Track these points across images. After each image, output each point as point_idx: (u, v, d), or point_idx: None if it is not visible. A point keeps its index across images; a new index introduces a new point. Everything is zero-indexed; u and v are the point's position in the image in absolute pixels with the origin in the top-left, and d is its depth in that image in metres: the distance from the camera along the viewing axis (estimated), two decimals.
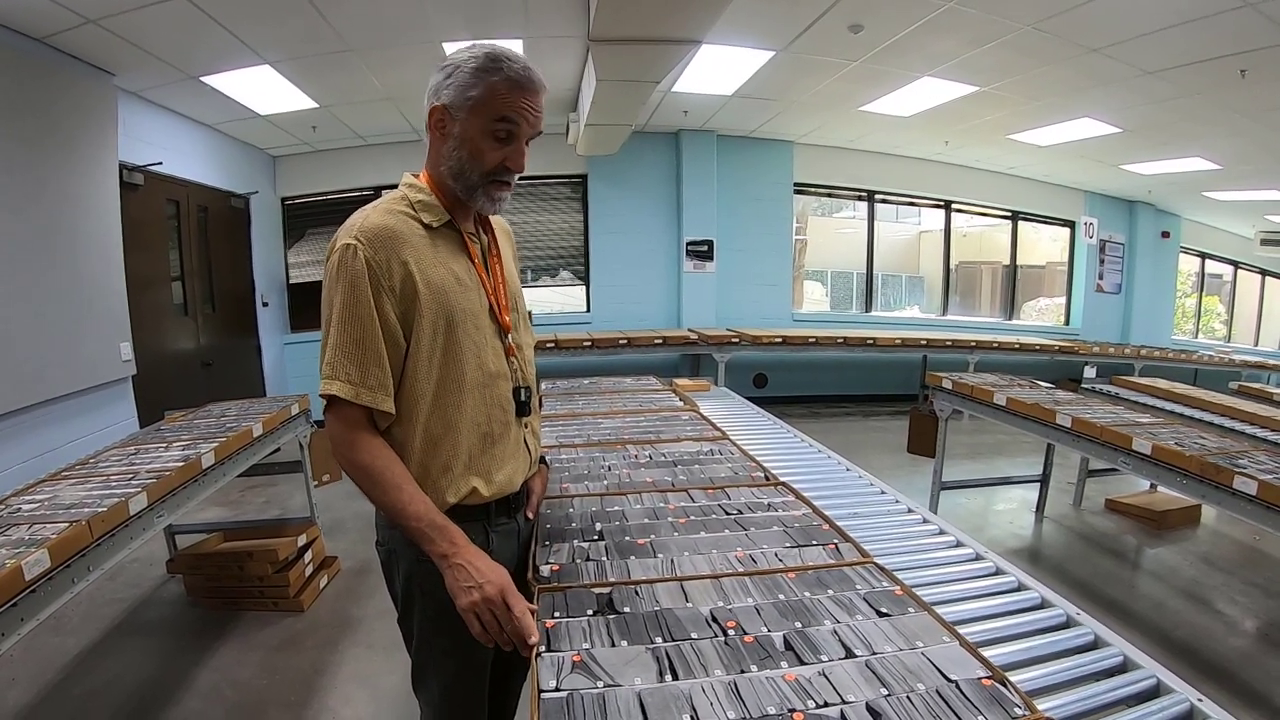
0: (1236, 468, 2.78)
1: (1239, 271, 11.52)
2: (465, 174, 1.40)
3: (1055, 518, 5.15)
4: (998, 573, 1.86)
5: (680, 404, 3.19)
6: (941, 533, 2.13)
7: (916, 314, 10.60)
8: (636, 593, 1.34)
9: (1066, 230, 10.19)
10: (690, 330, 7.71)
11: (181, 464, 2.63)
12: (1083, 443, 3.58)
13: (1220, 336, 11.64)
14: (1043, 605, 1.70)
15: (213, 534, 3.94)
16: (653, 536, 1.61)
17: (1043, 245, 10.72)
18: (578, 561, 1.49)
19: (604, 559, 1.50)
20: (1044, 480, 5.24)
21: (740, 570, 1.45)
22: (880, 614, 1.32)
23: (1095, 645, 1.54)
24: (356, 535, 4.61)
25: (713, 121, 7.63)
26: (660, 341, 7.23)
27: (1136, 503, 5.24)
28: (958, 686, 1.09)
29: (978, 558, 1.95)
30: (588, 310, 8.22)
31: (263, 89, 5.59)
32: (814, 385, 8.73)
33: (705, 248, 8.11)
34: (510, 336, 1.50)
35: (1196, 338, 11.29)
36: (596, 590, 1.34)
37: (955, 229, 9.82)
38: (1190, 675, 1.39)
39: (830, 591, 1.39)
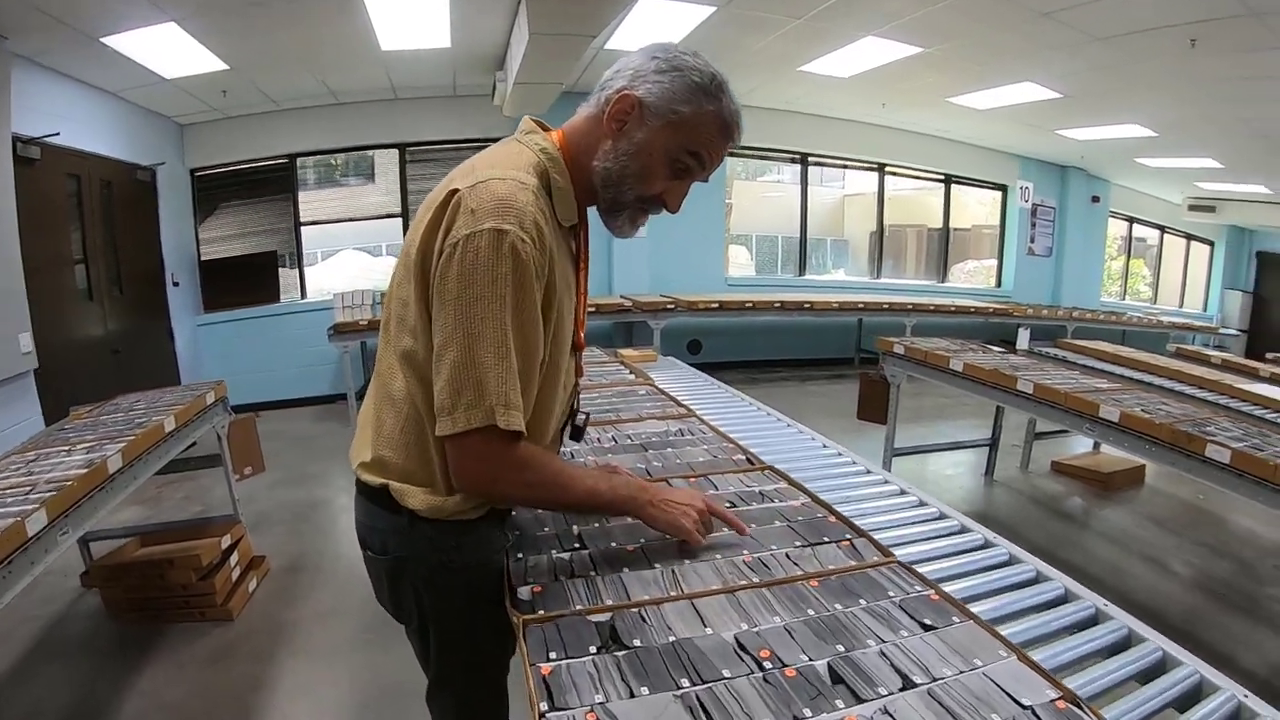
0: (1206, 435, 2.74)
1: (1165, 236, 11.85)
2: (621, 186, 1.24)
3: (1004, 481, 5.18)
4: (963, 530, 1.83)
5: (631, 376, 2.98)
6: (903, 493, 2.07)
7: (845, 277, 10.63)
8: (643, 618, 1.13)
9: (993, 194, 10.34)
10: (624, 297, 7.53)
11: (85, 470, 2.30)
12: (1045, 409, 3.52)
13: (1145, 299, 12.02)
14: (1011, 561, 1.68)
15: (130, 539, 3.57)
16: (642, 540, 1.40)
17: (969, 209, 10.85)
18: (562, 579, 1.26)
19: (592, 573, 1.28)
20: (993, 443, 5.26)
21: (755, 580, 1.26)
22: (925, 626, 1.14)
23: (1066, 599, 1.54)
24: (284, 529, 4.28)
25: None
26: (593, 310, 7.02)
27: (1082, 464, 5.30)
28: (1034, 713, 0.94)
29: (941, 516, 1.93)
30: None
31: (168, 50, 5.10)
32: (748, 350, 8.65)
33: None
34: (579, 356, 1.41)
35: (1124, 299, 11.65)
36: (594, 618, 1.12)
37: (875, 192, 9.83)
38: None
39: (862, 601, 1.21)
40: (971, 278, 10.85)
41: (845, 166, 9.80)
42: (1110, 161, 9.44)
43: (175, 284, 6.82)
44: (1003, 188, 10.15)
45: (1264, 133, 6.55)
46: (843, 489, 2.04)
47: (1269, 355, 5.50)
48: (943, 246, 10.20)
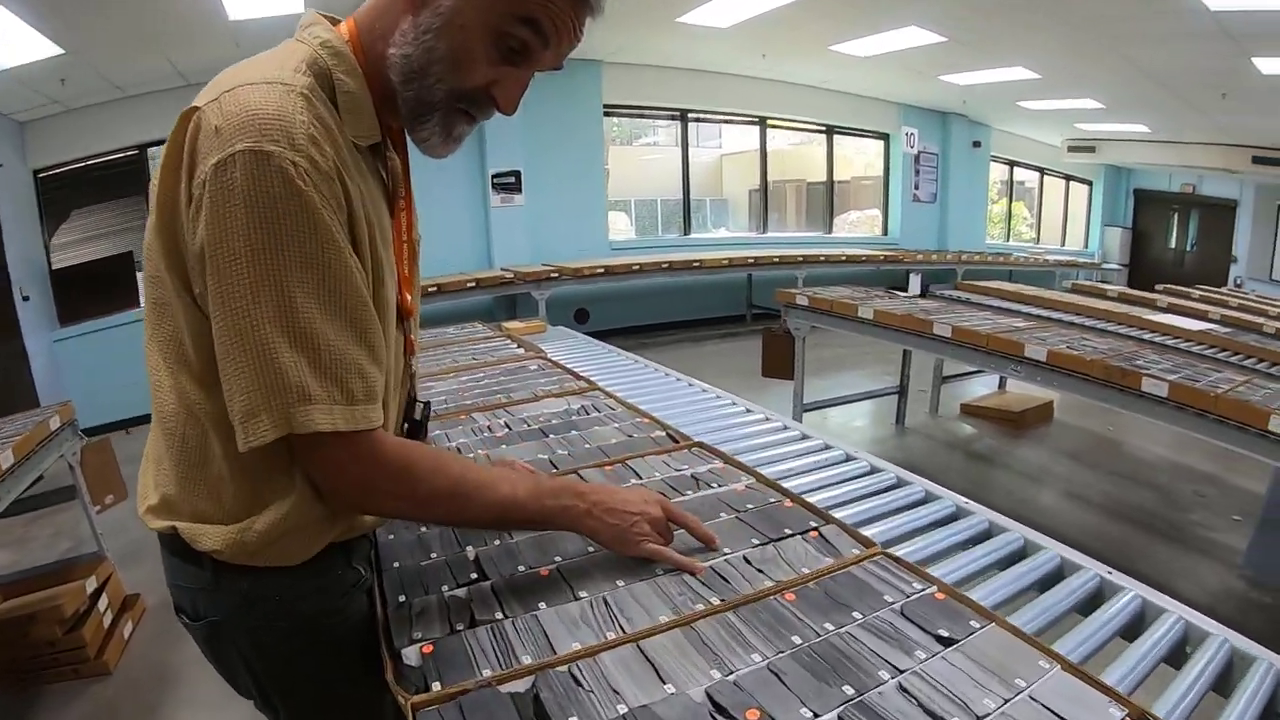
0: (1139, 369, 2.65)
1: (1045, 178, 12.25)
2: (426, 78, 0.87)
3: (916, 428, 5.14)
4: (901, 484, 1.64)
5: (520, 350, 2.64)
6: (804, 436, 1.90)
7: (730, 234, 10.55)
8: (576, 679, 0.81)
9: (873, 145, 10.43)
10: (505, 269, 7.20)
11: None
12: (966, 352, 3.41)
13: (1028, 239, 12.45)
14: (928, 499, 1.55)
15: None
16: (558, 558, 1.08)
17: (848, 161, 10.96)
18: (459, 629, 0.92)
19: (499, 615, 0.95)
20: (902, 390, 5.23)
21: (715, 602, 0.96)
22: (942, 640, 0.88)
23: (991, 533, 1.41)
24: (157, 561, 3.71)
25: None
26: (474, 285, 6.66)
27: (991, 405, 5.33)
28: None
29: (873, 470, 1.72)
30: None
31: None
32: (637, 315, 8.45)
33: (513, 179, 7.53)
34: (409, 325, 1.07)
35: (1008, 241, 12.02)
36: (511, 687, 0.79)
37: (754, 149, 9.73)
38: None
39: (857, 614, 0.94)
40: (855, 228, 10.98)
41: (726, 121, 9.65)
42: (992, 106, 9.60)
43: (25, 298, 5.96)
44: (885, 136, 10.24)
45: (1147, 72, 6.69)
46: (774, 456, 1.75)
47: (1158, 286, 5.63)
48: (828, 197, 10.23)
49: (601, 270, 7.16)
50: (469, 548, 1.13)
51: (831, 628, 0.91)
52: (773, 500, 1.27)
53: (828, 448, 1.80)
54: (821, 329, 4.25)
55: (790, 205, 11.32)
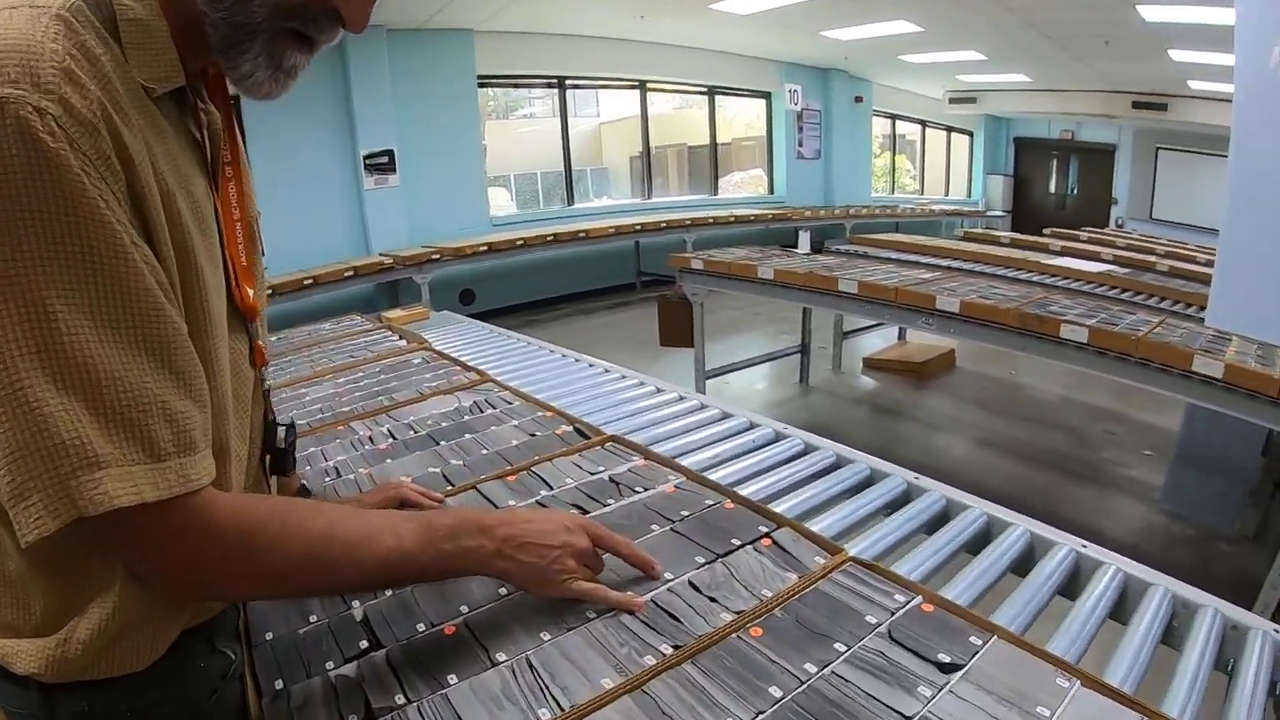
0: (1054, 315, 2.63)
1: (926, 130, 12.54)
2: None
3: (821, 386, 5.12)
4: (809, 450, 1.50)
5: (403, 343, 2.37)
6: (727, 416, 1.71)
7: (614, 202, 10.42)
8: None
9: (752, 105, 10.42)
10: (383, 255, 6.86)
11: None
12: (875, 307, 3.35)
13: (912, 191, 12.78)
14: (839, 464, 1.43)
15: None
16: (464, 608, 0.87)
17: (727, 124, 10.96)
18: None
19: (398, 698, 0.73)
20: (804, 349, 5.18)
21: (669, 650, 0.77)
22: (944, 667, 0.74)
23: (910, 495, 1.31)
24: None
25: (380, 14, 6.47)
26: (351, 274, 6.31)
27: (893, 357, 5.36)
28: None
29: (779, 437, 1.59)
30: (262, 255, 6.90)
31: None
32: (524, 291, 8.21)
33: (386, 159, 7.13)
34: (255, 328, 0.82)
35: (892, 194, 12.30)
36: None
37: (633, 116, 9.57)
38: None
39: (839, 645, 0.77)
40: (740, 188, 11.01)
41: (605, 87, 9.43)
42: (874, 61, 9.70)
43: None
44: (767, 95, 10.25)
45: (1030, 21, 6.82)
46: (699, 440, 1.56)
47: (1046, 230, 5.80)
48: (711, 159, 10.18)
49: (484, 248, 6.90)
50: (355, 604, 0.90)
51: (814, 669, 0.74)
52: (710, 503, 1.08)
53: (753, 426, 1.63)
54: (723, 294, 4.12)
55: (672, 170, 11.25)
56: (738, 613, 0.82)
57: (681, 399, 1.82)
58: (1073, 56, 7.95)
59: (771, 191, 10.58)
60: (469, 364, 2.01)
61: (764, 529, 1.00)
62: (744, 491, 1.22)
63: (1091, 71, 8.55)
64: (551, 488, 1.17)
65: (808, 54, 9.49)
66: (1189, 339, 2.36)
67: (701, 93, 9.88)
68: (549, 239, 7.31)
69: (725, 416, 1.68)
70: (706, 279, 4.22)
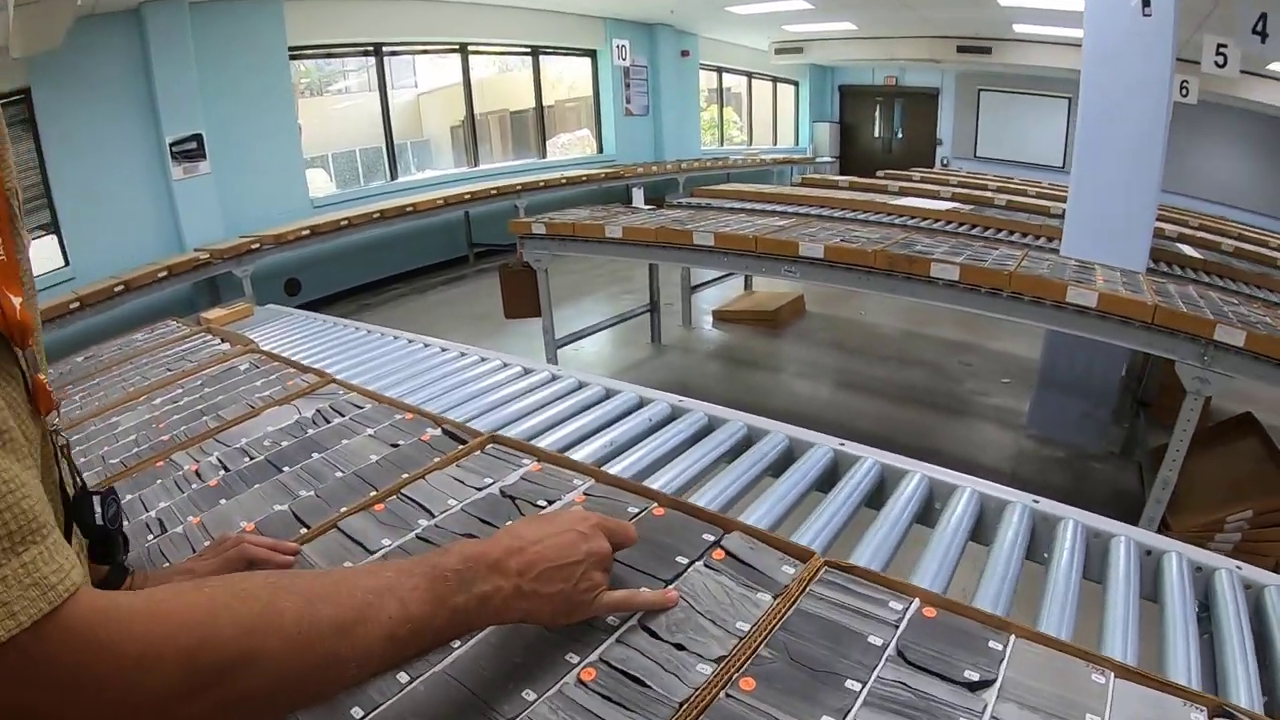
0: (921, 254, 2.61)
1: (753, 81, 12.65)
2: None
3: (674, 343, 5.03)
4: (644, 403, 1.47)
5: (226, 347, 2.01)
6: (610, 394, 1.57)
7: (442, 173, 10.02)
8: None
9: (574, 66, 10.20)
10: (198, 250, 6.25)
11: None
12: (732, 259, 3.26)
13: (741, 142, 12.94)
14: (713, 426, 1.35)
15: None
16: (355, 711, 0.64)
17: (550, 85, 10.73)
18: None
19: None
20: (653, 308, 5.06)
21: None
22: (975, 686, 0.63)
23: (794, 451, 1.25)
24: None
25: None
26: (165, 274, 5.74)
27: (744, 307, 5.34)
28: None
29: (643, 403, 1.50)
30: (66, 264, 6.07)
31: None
32: (353, 275, 7.76)
33: (194, 145, 6.46)
34: (31, 355, 0.53)
35: (721, 146, 12.42)
36: None
37: (452, 84, 9.20)
38: None
39: (851, 682, 0.62)
40: (567, 150, 10.82)
41: (425, 52, 8.93)
42: (700, 14, 9.64)
43: None
44: (592, 53, 10.07)
45: None
46: (579, 428, 1.38)
47: (879, 173, 5.95)
48: (538, 122, 9.91)
49: (307, 231, 6.43)
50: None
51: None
52: (636, 511, 0.89)
53: (616, 396, 1.48)
54: (566, 257, 3.96)
55: (496, 137, 10.90)
56: (716, 660, 0.64)
57: (555, 378, 1.62)
58: (900, 3, 8.22)
59: (601, 151, 10.45)
60: (305, 364, 1.70)
61: (709, 537, 0.82)
62: (617, 469, 1.11)
63: (916, 17, 8.89)
64: (433, 514, 0.94)
65: (633, 9, 9.36)
66: (1057, 270, 2.40)
67: (525, 53, 9.57)
68: (375, 217, 6.92)
69: (611, 395, 1.49)
70: (550, 243, 4.03)
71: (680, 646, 0.65)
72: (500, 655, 0.67)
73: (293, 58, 7.44)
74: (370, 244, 7.56)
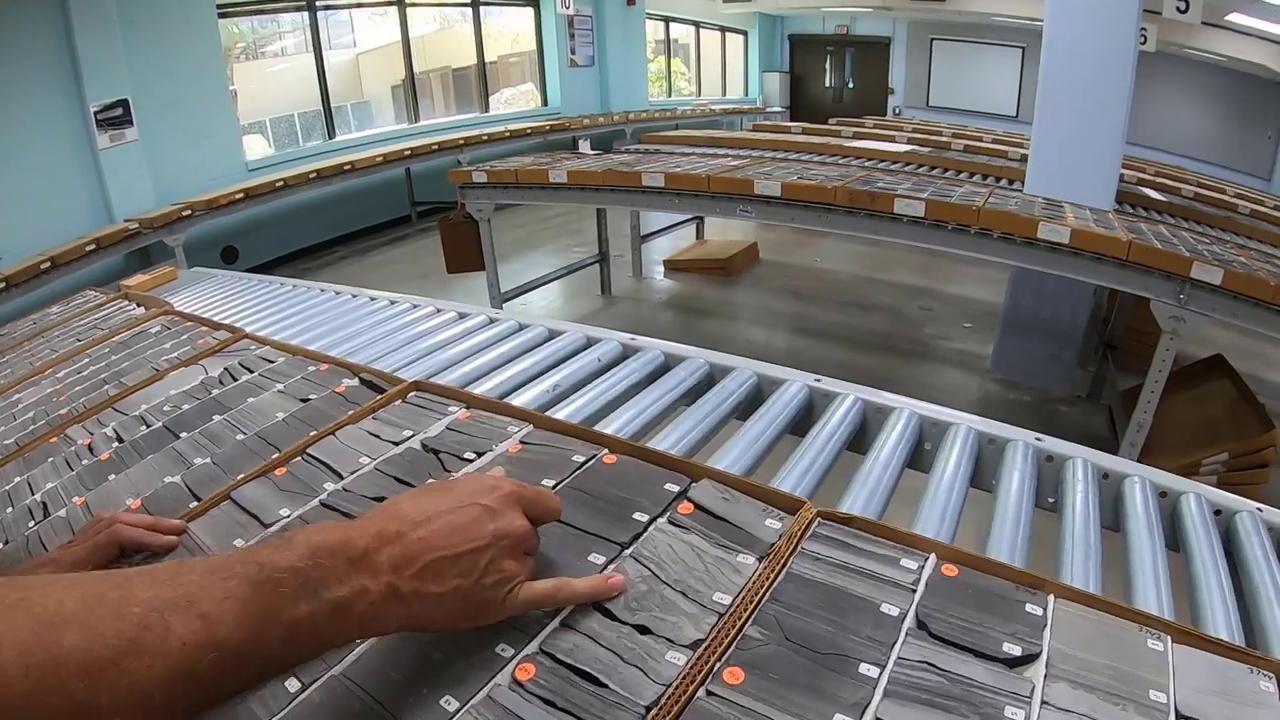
0: (885, 191, 2.49)
1: (701, 31, 12.34)
2: None
3: (624, 294, 4.89)
4: (591, 343, 1.33)
5: (140, 312, 1.81)
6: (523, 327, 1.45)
7: (381, 130, 9.71)
8: None
9: (515, 22, 9.91)
10: (129, 221, 5.98)
11: None
12: (684, 200, 3.12)
13: (688, 94, 12.67)
14: (670, 365, 1.22)
15: None
16: None
17: (491, 40, 10.42)
18: None
19: None
20: (602, 258, 4.91)
21: None
22: (1018, 662, 0.52)
23: (763, 390, 1.14)
24: None
25: None
26: (94, 248, 5.51)
27: (696, 256, 5.21)
28: None
29: (590, 343, 1.36)
30: None
31: None
32: (291, 240, 7.50)
33: (121, 111, 6.17)
34: None
35: (669, 97, 12.15)
36: None
37: (392, 43, 8.91)
38: None
39: (866, 667, 0.49)
40: (511, 105, 10.54)
41: (361, 5, 8.56)
42: None
43: None
44: (535, 3, 9.74)
45: None
46: (512, 377, 1.21)
47: (831, 120, 5.83)
48: (479, 77, 9.59)
49: (241, 195, 6.19)
50: None
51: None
52: (582, 459, 0.74)
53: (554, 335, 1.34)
54: (498, 212, 3.80)
55: (438, 95, 10.57)
56: (691, 646, 0.49)
57: (493, 321, 1.46)
58: None
59: (546, 104, 10.18)
60: (218, 321, 1.51)
61: (673, 487, 0.67)
62: (562, 415, 0.97)
63: None
64: (340, 475, 0.78)
65: None
66: (1025, 207, 2.30)
67: (465, 3, 9.21)
68: (311, 177, 6.67)
69: (555, 336, 1.34)
70: (491, 192, 3.86)
71: (644, 629, 0.51)
72: (413, 651, 0.52)
73: (222, 15, 7.18)
74: (308, 206, 7.33)
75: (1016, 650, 0.52)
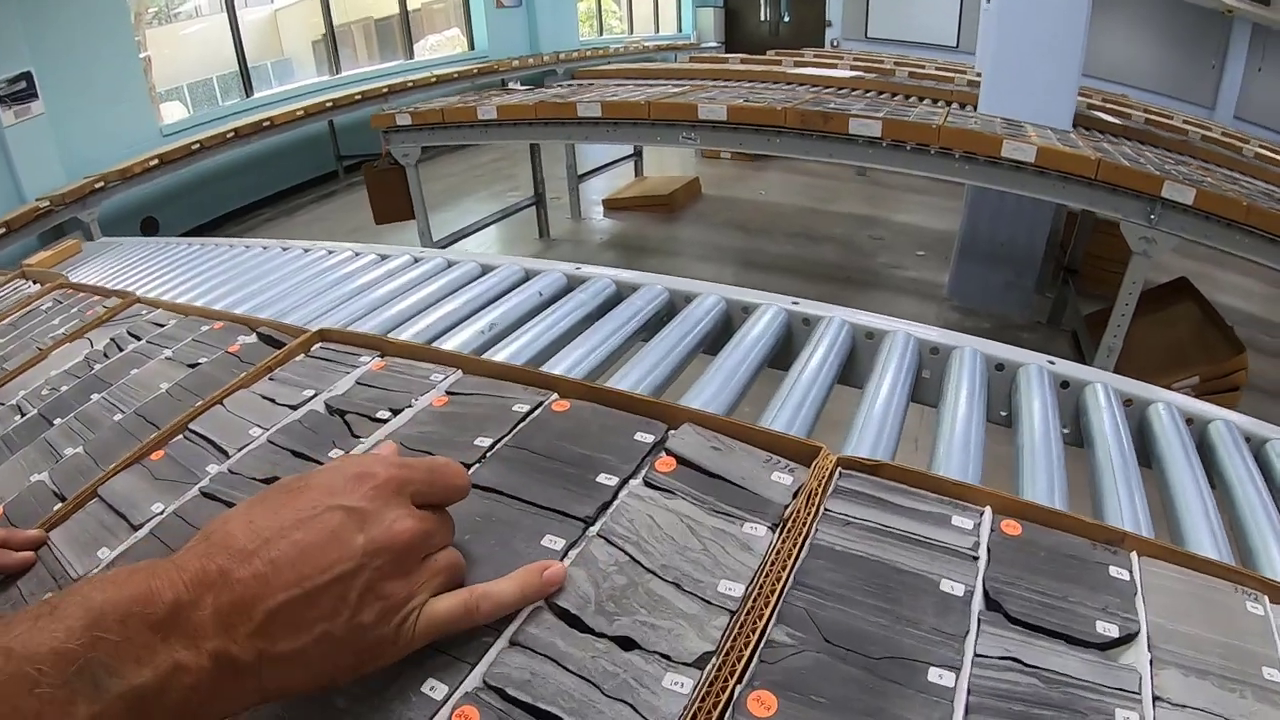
0: (838, 111, 2.36)
1: None
2: None
3: (564, 236, 4.72)
4: (530, 276, 1.16)
5: (35, 289, 1.59)
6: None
7: (301, 83, 9.32)
8: None
9: None
10: (40, 200, 5.69)
11: None
12: (622, 130, 2.95)
13: (620, 32, 12.29)
14: (623, 295, 1.11)
15: None
16: None
17: None
18: None
19: None
20: (539, 200, 4.70)
21: None
22: (1114, 645, 0.41)
23: (733, 319, 1.03)
24: None
25: None
26: (3, 231, 5.21)
27: (635, 194, 5.04)
28: None
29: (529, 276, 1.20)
30: None
31: None
32: (213, 206, 7.23)
33: (24, 84, 5.92)
34: None
35: (601, 35, 11.76)
36: None
37: None
38: None
39: (937, 674, 0.36)
40: (436, 51, 10.19)
41: None
42: None
43: None
44: None
45: None
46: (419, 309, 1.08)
47: (769, 52, 5.67)
48: (402, 24, 9.21)
49: (155, 162, 5.87)
50: None
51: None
52: (524, 408, 0.59)
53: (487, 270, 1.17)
54: (427, 162, 3.59)
55: (360, 46, 10.20)
56: (696, 664, 0.35)
57: (417, 260, 1.29)
58: None
59: (473, 48, 9.85)
60: (112, 289, 1.32)
61: (646, 437, 0.53)
62: (502, 356, 0.83)
63: None
64: (226, 454, 0.61)
65: None
66: (986, 126, 2.19)
67: None
68: (229, 136, 6.37)
69: (489, 271, 1.18)
70: (417, 134, 3.71)
71: (628, 643, 0.37)
72: (307, 699, 0.37)
73: None
74: (229, 169, 7.07)
75: (1113, 630, 0.40)
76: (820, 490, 0.46)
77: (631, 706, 0.33)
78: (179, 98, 8.88)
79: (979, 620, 0.38)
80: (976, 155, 2.12)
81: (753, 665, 0.35)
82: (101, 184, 5.78)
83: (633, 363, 0.85)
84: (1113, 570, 0.44)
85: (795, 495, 0.46)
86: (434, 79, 7.91)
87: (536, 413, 0.57)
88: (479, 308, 1.04)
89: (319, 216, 6.76)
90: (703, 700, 0.33)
